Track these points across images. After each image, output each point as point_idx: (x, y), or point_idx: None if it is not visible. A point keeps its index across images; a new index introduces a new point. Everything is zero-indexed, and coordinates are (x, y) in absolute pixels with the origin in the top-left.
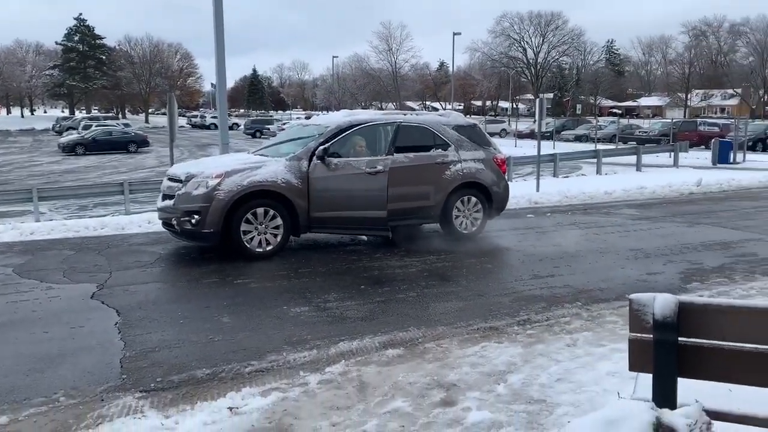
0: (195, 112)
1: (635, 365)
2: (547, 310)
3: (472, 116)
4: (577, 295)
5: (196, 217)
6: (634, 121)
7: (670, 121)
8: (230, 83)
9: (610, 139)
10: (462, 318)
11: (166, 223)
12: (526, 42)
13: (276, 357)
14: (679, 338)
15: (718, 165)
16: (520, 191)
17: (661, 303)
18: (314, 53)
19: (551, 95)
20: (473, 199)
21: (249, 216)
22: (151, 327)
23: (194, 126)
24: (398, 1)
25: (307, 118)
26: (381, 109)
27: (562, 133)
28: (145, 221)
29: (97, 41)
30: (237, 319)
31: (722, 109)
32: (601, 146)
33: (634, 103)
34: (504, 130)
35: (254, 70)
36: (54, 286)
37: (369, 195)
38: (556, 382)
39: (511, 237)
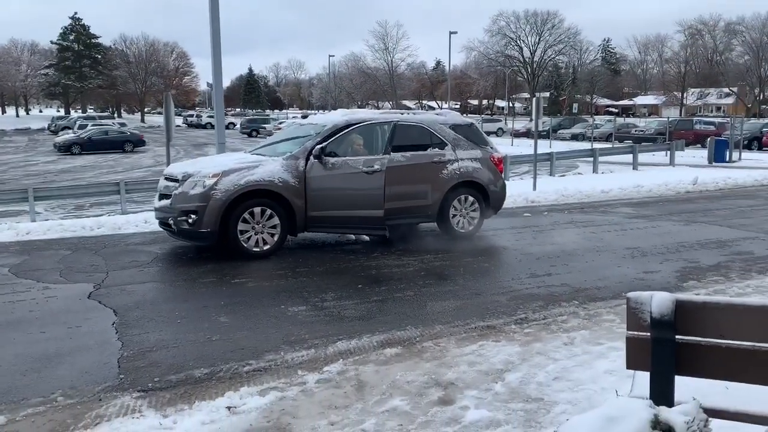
0: (191, 112)
1: (633, 363)
2: (545, 308)
3: (469, 115)
4: (575, 294)
5: (193, 216)
6: (630, 120)
7: (666, 119)
8: (226, 82)
9: (607, 137)
10: (459, 317)
11: (163, 223)
12: (523, 41)
13: (274, 356)
14: (677, 336)
15: (714, 163)
16: (517, 190)
17: (659, 301)
18: (310, 52)
19: (547, 94)
20: (470, 198)
21: (246, 215)
22: (148, 327)
23: (190, 125)
24: (395, 0)
25: (304, 117)
26: (377, 108)
27: (559, 132)
28: (142, 221)
29: (93, 40)
30: (235, 319)
31: (718, 108)
32: (597, 145)
33: (631, 102)
34: (500, 129)
35: (250, 69)
36: (51, 286)
37: (366, 194)
38: (553, 380)
39: (508, 236)
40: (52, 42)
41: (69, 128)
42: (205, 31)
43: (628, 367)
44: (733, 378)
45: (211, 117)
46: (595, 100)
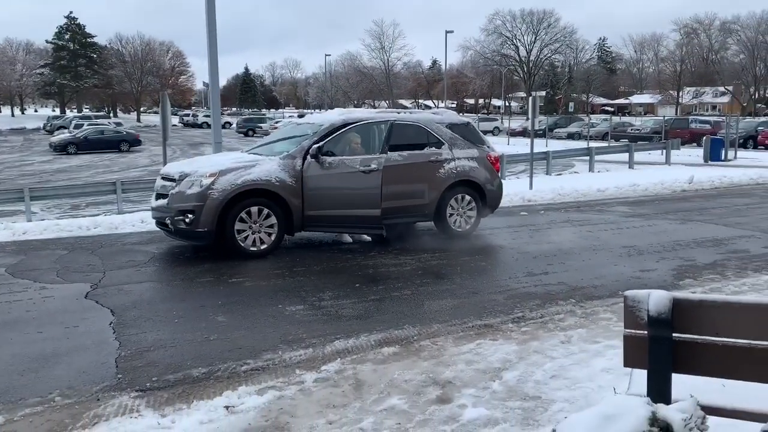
0: (187, 111)
1: (630, 361)
2: (542, 307)
3: (465, 114)
4: (571, 293)
5: (190, 216)
6: (626, 119)
7: (662, 118)
8: (222, 82)
9: (603, 136)
10: (457, 316)
11: (160, 223)
12: (519, 40)
13: (272, 355)
14: (674, 334)
15: (710, 162)
16: (514, 189)
17: (656, 299)
18: (307, 51)
19: (544, 93)
20: (467, 197)
21: (243, 215)
22: (146, 326)
23: (186, 125)
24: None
25: (300, 116)
26: (374, 107)
27: (555, 131)
28: (139, 220)
29: (88, 40)
30: (232, 318)
31: (713, 107)
32: (593, 144)
33: (626, 101)
34: (497, 128)
35: (246, 69)
36: (48, 285)
37: (363, 193)
38: (550, 378)
39: (504, 235)
40: (47, 41)
41: (65, 128)
42: (201, 30)
43: (626, 364)
44: (730, 375)
45: (207, 116)
46: (591, 99)
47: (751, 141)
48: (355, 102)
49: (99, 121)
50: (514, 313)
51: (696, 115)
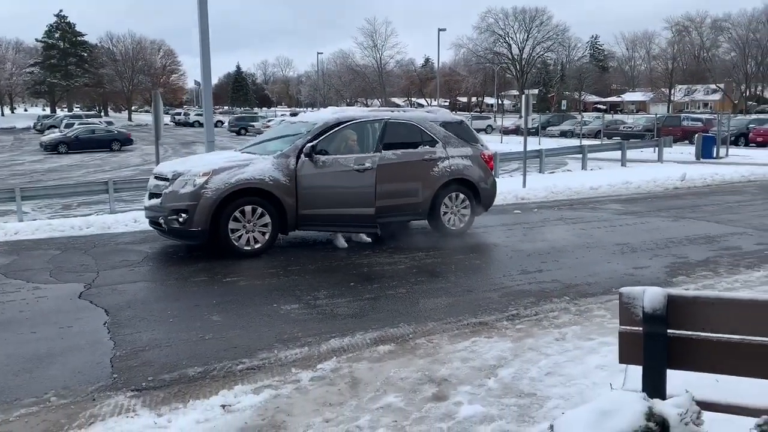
0: (179, 110)
1: (625, 357)
2: (536, 304)
3: (458, 112)
4: (565, 290)
5: (183, 215)
6: (618, 117)
7: (654, 116)
8: (214, 80)
9: (595, 134)
10: (452, 314)
11: (154, 222)
12: (511, 38)
13: (267, 354)
14: (668, 331)
15: (702, 160)
16: (507, 187)
17: (651, 296)
18: (298, 49)
19: (536, 91)
20: (461, 195)
21: (237, 214)
22: (140, 326)
23: (178, 123)
24: None
25: (293, 115)
26: (366, 105)
27: (548, 129)
28: (131, 220)
29: (79, 38)
30: (227, 318)
31: (705, 104)
32: (586, 142)
33: (619, 99)
34: (490, 126)
35: (238, 67)
36: (41, 286)
37: (357, 192)
38: (545, 375)
39: (498, 233)
40: (37, 40)
41: (55, 127)
42: (192, 28)
43: (621, 361)
44: (724, 371)
45: (199, 115)
46: (583, 97)
47: (742, 138)
48: (348, 100)
49: (90, 120)
50: (509, 310)
51: (688, 112)
